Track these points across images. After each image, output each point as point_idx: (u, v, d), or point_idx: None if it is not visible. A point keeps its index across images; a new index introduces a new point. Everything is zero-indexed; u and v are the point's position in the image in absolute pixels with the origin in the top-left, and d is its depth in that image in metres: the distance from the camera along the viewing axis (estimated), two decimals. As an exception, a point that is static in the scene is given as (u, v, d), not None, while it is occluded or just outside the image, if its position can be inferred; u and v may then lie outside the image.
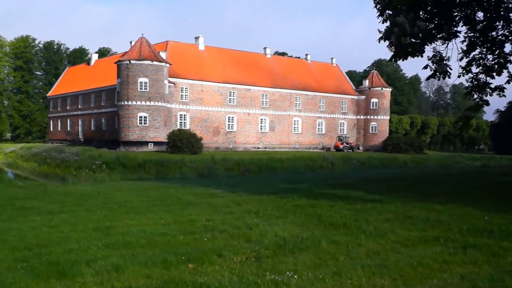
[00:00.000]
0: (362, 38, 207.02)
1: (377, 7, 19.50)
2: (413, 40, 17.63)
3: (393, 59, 19.91)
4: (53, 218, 12.85)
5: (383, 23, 18.98)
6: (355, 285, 7.38)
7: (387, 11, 18.98)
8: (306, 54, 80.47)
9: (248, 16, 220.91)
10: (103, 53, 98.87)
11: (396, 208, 14.70)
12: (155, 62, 54.91)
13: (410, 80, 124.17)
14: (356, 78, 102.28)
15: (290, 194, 18.16)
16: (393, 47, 19.12)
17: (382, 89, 77.91)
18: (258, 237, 10.34)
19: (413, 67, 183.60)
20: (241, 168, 45.63)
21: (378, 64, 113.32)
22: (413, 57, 19.24)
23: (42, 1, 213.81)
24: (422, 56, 19.35)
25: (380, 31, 19.03)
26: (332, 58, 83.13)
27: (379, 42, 19.13)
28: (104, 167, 30.71)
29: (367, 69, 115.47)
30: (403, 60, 19.66)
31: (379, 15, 19.26)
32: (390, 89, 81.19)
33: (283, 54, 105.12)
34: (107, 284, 7.32)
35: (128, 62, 54.72)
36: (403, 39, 16.89)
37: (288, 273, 7.74)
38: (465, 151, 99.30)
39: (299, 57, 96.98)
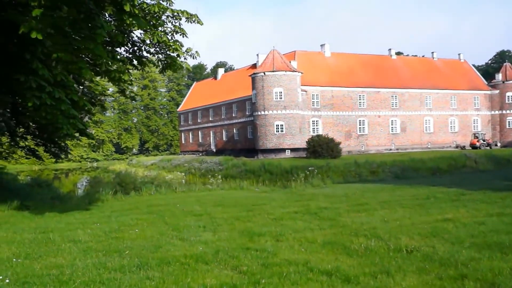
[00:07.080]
0: (475, 31, 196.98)
1: None
2: None
3: None
4: (374, 214, 13.86)
5: None
6: None
7: None
8: (432, 52, 78.75)
9: (359, 19, 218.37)
10: (220, 66, 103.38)
11: None
12: (288, 72, 56.65)
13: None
14: (479, 71, 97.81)
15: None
16: None
17: (517, 81, 74.20)
18: None
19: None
20: (384, 170, 45.72)
21: (501, 56, 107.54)
22: None
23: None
24: None
25: None
26: (459, 54, 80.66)
27: None
28: (315, 172, 32.03)
29: (489, 62, 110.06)
30: None
31: None
32: (526, 81, 77.02)
33: (399, 53, 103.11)
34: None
35: (263, 74, 56.90)
36: None
37: None
38: None
39: (415, 55, 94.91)
